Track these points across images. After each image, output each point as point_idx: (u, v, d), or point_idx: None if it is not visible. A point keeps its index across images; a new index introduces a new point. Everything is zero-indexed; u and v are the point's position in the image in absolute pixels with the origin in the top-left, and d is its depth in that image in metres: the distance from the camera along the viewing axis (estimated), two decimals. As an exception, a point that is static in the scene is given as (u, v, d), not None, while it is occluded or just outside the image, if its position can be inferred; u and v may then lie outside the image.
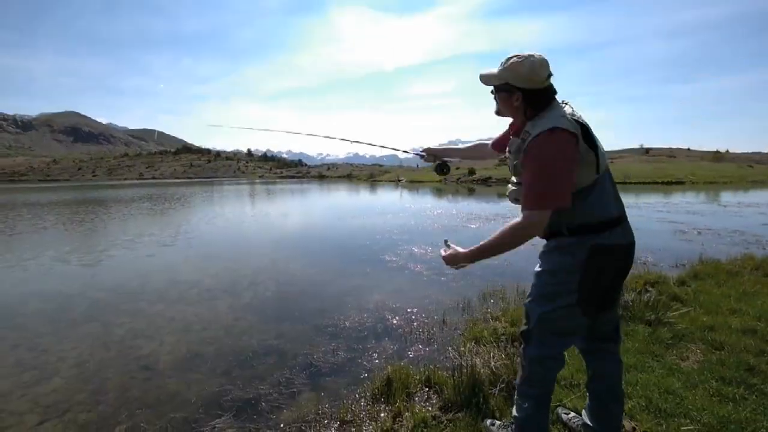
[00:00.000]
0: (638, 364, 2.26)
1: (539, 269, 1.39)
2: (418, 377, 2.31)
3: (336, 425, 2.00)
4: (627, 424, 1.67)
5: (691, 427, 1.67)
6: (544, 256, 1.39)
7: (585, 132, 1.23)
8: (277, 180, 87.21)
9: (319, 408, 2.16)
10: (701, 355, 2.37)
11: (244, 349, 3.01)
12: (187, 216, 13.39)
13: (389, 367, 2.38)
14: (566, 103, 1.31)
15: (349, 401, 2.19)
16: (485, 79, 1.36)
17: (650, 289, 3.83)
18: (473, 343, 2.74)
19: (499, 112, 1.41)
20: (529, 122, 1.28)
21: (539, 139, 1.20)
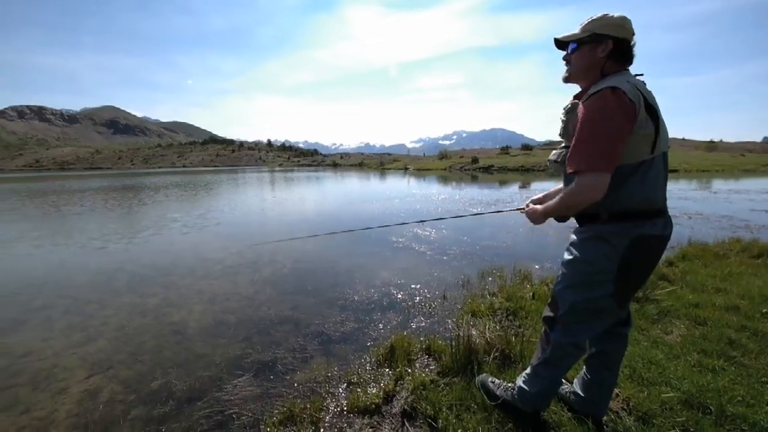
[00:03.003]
0: (624, 337, 2.22)
1: (572, 257, 1.27)
2: (419, 346, 2.33)
3: (344, 386, 2.03)
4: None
5: (671, 394, 1.65)
6: (578, 244, 1.26)
7: (647, 104, 1.09)
8: (295, 168, 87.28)
9: (329, 371, 2.20)
10: (685, 330, 2.32)
11: (262, 319, 3.08)
12: (215, 200, 13.57)
13: (393, 336, 2.41)
14: (639, 75, 1.20)
15: (356, 366, 2.22)
16: (564, 39, 1.25)
17: (639, 269, 3.75)
18: (471, 316, 2.74)
19: (569, 78, 1.27)
20: (594, 86, 1.15)
21: (596, 96, 1.09)
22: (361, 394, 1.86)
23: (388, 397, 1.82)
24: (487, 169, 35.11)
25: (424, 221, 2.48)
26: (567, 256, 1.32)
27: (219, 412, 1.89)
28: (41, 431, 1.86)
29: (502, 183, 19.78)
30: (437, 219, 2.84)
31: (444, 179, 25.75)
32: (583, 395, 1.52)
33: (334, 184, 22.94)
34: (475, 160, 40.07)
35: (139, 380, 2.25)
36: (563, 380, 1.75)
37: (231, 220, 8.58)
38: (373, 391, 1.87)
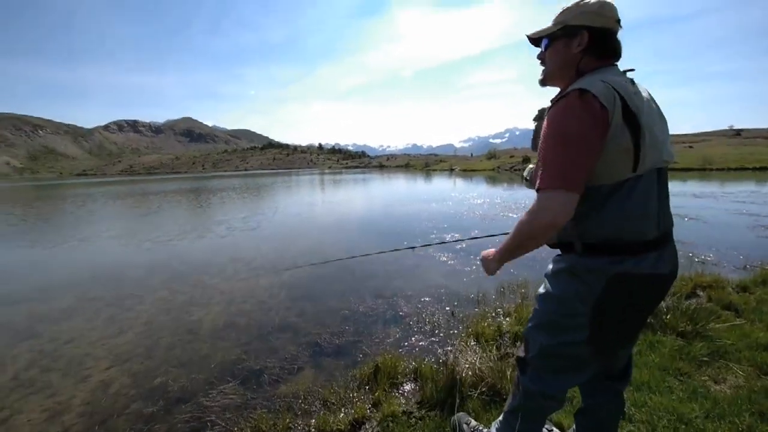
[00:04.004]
0: (654, 381, 1.82)
1: (544, 291, 1.07)
2: (405, 368, 2.17)
3: (318, 404, 1.96)
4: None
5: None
6: (552, 276, 1.05)
7: (626, 109, 0.85)
8: (343, 170, 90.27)
9: (311, 386, 2.15)
10: (743, 380, 1.82)
11: (267, 323, 3.14)
12: (264, 202, 14.55)
13: (380, 356, 2.27)
14: (628, 72, 0.97)
15: (338, 383, 2.14)
16: (534, 35, 1.06)
17: (700, 294, 3.10)
18: (473, 340, 2.49)
19: (545, 79, 1.06)
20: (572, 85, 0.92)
21: (561, 101, 0.88)
22: (331, 417, 1.77)
23: (356, 425, 1.71)
24: (540, 170, 32.65)
25: (414, 247, 2.33)
26: (541, 290, 1.10)
27: (197, 418, 1.94)
28: (56, 415, 2.08)
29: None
30: (424, 245, 2.62)
31: (491, 180, 24.56)
32: None
33: (375, 186, 23.18)
34: (526, 160, 37.60)
35: (145, 375, 2.43)
36: (557, 429, 1.48)
37: (269, 224, 9.08)
38: (342, 416, 1.77)
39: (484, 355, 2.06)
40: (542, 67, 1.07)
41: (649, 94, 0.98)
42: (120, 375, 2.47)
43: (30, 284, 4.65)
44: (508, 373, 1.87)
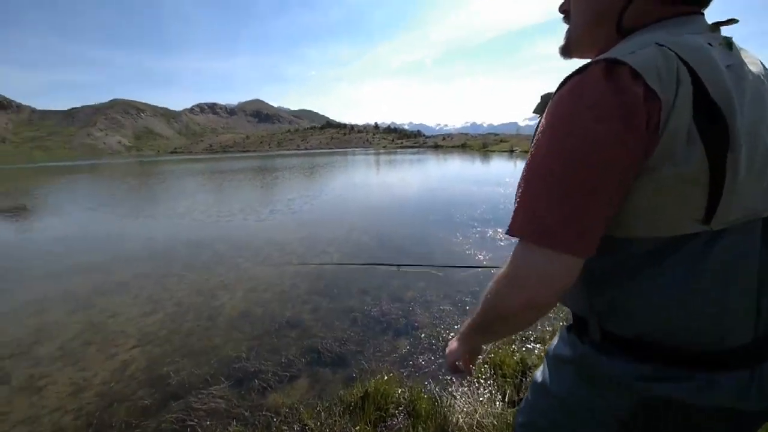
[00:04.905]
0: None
1: (541, 381, 0.68)
2: (399, 398, 1.90)
3: (297, 427, 1.81)
4: None
5: None
6: (552, 361, 0.67)
7: (702, 95, 0.42)
8: (398, 150, 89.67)
9: (295, 403, 2.01)
10: None
11: (279, 317, 3.11)
12: (313, 183, 15.05)
13: (372, 379, 2.03)
14: (720, 25, 0.51)
15: (323, 406, 1.96)
16: None
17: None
18: (489, 370, 2.11)
19: (567, 45, 0.62)
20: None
21: (572, 82, 0.47)
22: (301, 449, 1.60)
23: (324, 466, 1.51)
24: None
25: (401, 266, 1.98)
26: (537, 375, 0.72)
27: (182, 420, 1.93)
28: (79, 391, 2.27)
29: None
30: (416, 264, 2.23)
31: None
32: None
33: (426, 167, 22.46)
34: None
35: (158, 361, 2.55)
36: None
37: (311, 208, 9.28)
38: (312, 451, 1.58)
39: (490, 400, 1.68)
40: (566, 26, 0.63)
41: (764, 69, 0.51)
42: (139, 356, 2.63)
43: (105, 255, 5.34)
44: None
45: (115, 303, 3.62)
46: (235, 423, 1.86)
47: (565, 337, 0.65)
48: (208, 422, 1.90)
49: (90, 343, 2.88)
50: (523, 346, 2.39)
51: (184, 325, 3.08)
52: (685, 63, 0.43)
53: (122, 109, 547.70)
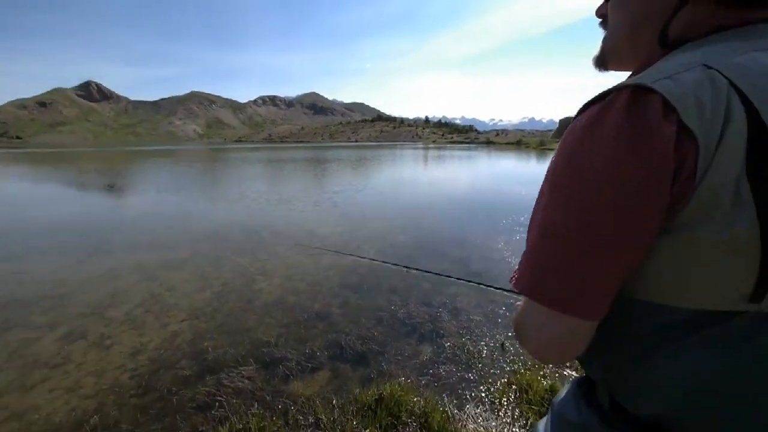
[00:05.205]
0: None
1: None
2: (413, 408, 1.87)
3: (311, 419, 1.88)
4: None
5: None
6: (557, 420, 0.56)
7: (760, 133, 0.31)
8: (447, 145, 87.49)
9: (312, 395, 2.08)
10: None
11: (309, 308, 3.24)
12: (358, 177, 15.36)
13: (388, 383, 2.02)
14: None
15: (338, 402, 2.00)
16: None
17: None
18: (514, 393, 1.97)
19: (603, 56, 0.51)
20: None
21: (589, 113, 0.39)
22: (311, 443, 1.65)
23: (329, 464, 1.54)
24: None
25: (433, 273, 1.91)
26: (540, 426, 0.64)
27: (213, 394, 2.11)
28: (136, 353, 2.60)
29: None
30: (425, 271, 2.10)
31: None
32: None
33: (473, 166, 21.60)
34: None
35: (201, 336, 2.81)
36: None
37: (354, 201, 9.46)
38: (320, 447, 1.63)
39: (509, 426, 1.57)
40: (603, 32, 0.53)
41: None
42: (187, 329, 2.93)
43: (174, 233, 6.03)
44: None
45: (174, 278, 4.06)
46: (257, 405, 1.99)
47: (572, 392, 0.57)
48: (234, 400, 2.05)
49: (149, 311, 3.28)
50: (556, 372, 2.19)
51: (226, 305, 3.36)
52: (738, 90, 0.33)
53: (197, 101, 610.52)
